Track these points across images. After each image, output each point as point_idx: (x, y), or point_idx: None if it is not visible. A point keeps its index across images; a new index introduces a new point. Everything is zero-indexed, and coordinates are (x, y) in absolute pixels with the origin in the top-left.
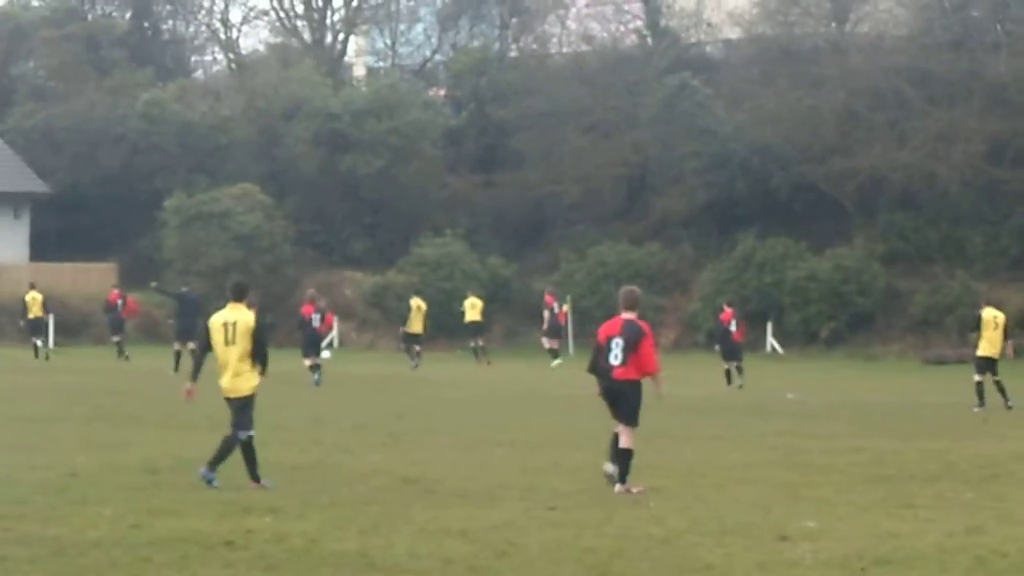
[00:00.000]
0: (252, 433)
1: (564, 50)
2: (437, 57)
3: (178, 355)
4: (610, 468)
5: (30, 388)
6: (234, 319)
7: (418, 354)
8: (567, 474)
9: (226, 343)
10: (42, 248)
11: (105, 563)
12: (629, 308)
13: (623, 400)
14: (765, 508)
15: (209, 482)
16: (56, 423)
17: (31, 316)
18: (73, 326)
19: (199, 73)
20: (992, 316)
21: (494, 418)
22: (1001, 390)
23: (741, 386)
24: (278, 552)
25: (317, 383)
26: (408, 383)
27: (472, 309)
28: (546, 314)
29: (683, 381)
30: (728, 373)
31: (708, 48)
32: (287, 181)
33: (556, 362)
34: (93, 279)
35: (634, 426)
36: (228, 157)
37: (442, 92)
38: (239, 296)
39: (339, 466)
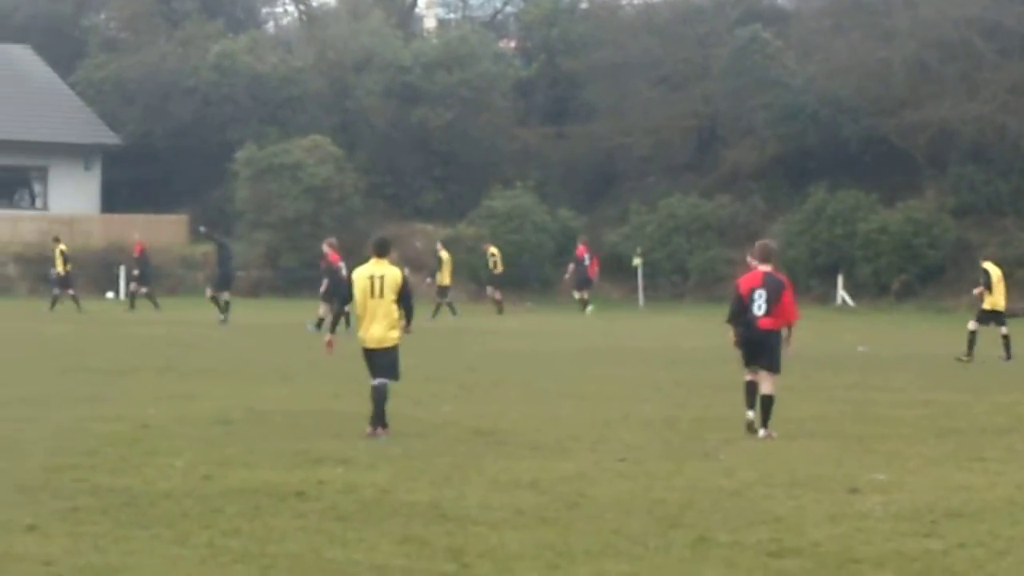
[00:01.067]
0: (389, 382)
1: (635, 1)
2: (507, 8)
3: (215, 301)
4: (751, 415)
5: (101, 339)
6: (381, 273)
7: (450, 305)
8: (637, 426)
9: (372, 296)
10: (113, 200)
11: (176, 514)
12: (764, 261)
13: (767, 349)
14: (836, 460)
15: (378, 438)
16: (127, 375)
17: (58, 270)
18: (144, 278)
19: (270, 25)
20: (996, 271)
21: (564, 370)
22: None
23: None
24: (349, 503)
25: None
26: (481, 335)
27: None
28: (571, 266)
29: None
30: (584, 303)
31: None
32: (358, 133)
33: (589, 308)
34: (164, 231)
35: (777, 373)
36: (299, 109)
37: (512, 44)
38: (383, 252)
39: (411, 418)
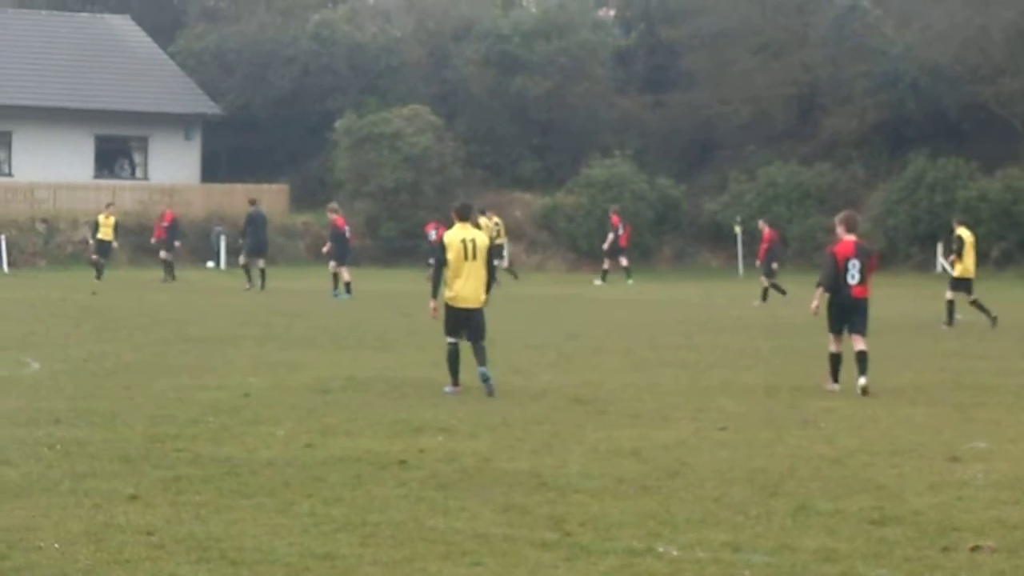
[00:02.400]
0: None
1: None
2: None
3: (247, 270)
4: (837, 387)
5: (201, 309)
6: (472, 236)
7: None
8: (737, 394)
9: (467, 259)
10: (213, 169)
11: (278, 482)
12: (852, 230)
13: (860, 313)
14: (936, 429)
15: (486, 380)
16: (228, 344)
17: (100, 237)
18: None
19: None
20: (969, 236)
21: (663, 339)
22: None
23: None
24: (450, 471)
25: (340, 296)
26: (580, 303)
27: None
28: (611, 235)
29: None
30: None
31: None
32: (457, 102)
33: (629, 281)
34: (264, 200)
35: (866, 335)
36: (398, 78)
37: (611, 12)
38: (467, 216)
39: (511, 386)
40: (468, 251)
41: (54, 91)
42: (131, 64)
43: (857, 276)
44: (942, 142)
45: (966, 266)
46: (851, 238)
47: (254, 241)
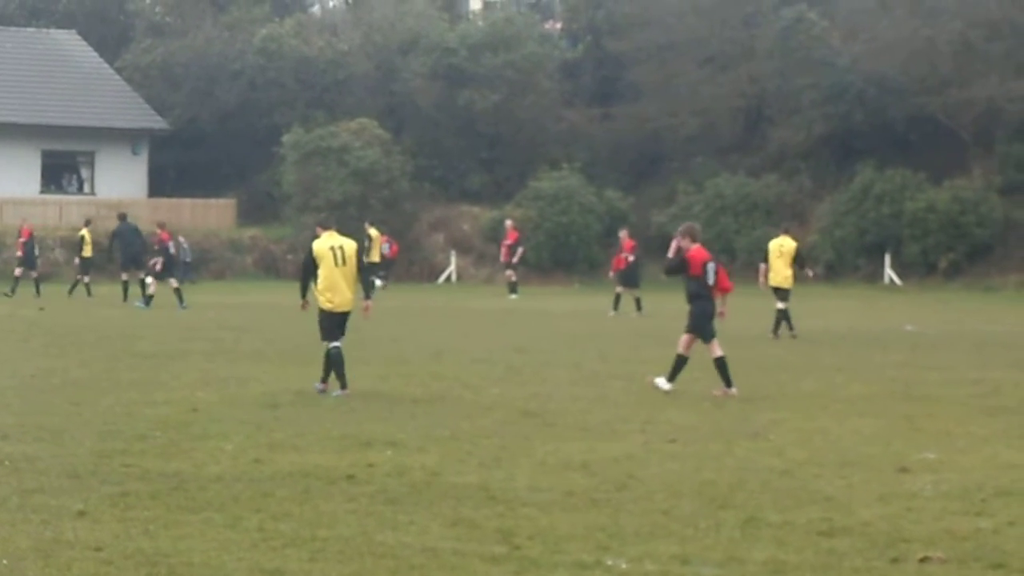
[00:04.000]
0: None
1: None
2: None
3: (126, 285)
4: (670, 387)
5: (149, 324)
6: (340, 243)
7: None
8: (686, 407)
9: (337, 264)
10: (161, 184)
11: (227, 497)
12: (696, 240)
13: (713, 317)
14: (885, 440)
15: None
16: (176, 359)
17: (85, 255)
18: (192, 262)
19: (315, 8)
20: (778, 245)
21: (612, 351)
22: (787, 319)
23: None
24: (399, 485)
25: (147, 304)
26: (528, 316)
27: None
28: (520, 249)
29: (803, 313)
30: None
31: None
32: (404, 115)
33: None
34: (212, 215)
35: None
36: (346, 92)
37: (558, 25)
38: (331, 225)
39: (459, 399)
40: (337, 257)
41: (0, 106)
42: (77, 79)
43: (714, 280)
44: (889, 153)
45: (773, 275)
46: (700, 247)
47: (125, 255)
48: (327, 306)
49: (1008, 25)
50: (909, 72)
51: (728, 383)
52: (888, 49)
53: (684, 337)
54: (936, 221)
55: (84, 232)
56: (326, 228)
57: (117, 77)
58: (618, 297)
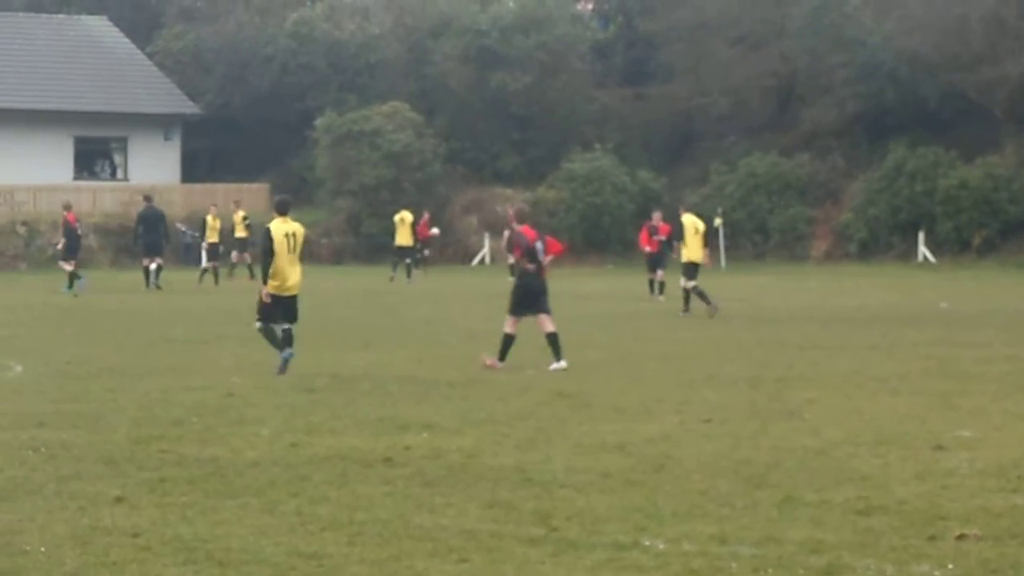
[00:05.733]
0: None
1: None
2: None
3: (146, 271)
4: (501, 364)
5: (183, 310)
6: (293, 230)
7: (409, 265)
8: (721, 387)
9: (289, 251)
10: (193, 170)
11: (264, 482)
12: (523, 221)
13: (545, 293)
14: (920, 418)
15: (286, 360)
16: (211, 344)
17: (211, 240)
18: (226, 247)
19: None
20: (692, 222)
21: (647, 332)
22: (687, 298)
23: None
24: (436, 468)
25: (72, 290)
26: (562, 297)
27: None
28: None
29: (837, 292)
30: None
31: None
32: (436, 98)
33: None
34: (245, 199)
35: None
36: (377, 75)
37: (590, 6)
38: (286, 210)
39: (494, 381)
40: (290, 244)
41: (32, 93)
42: (109, 65)
43: (542, 255)
44: (922, 131)
45: (692, 252)
46: (528, 226)
47: (147, 240)
48: (274, 288)
49: None
50: (941, 49)
51: (557, 356)
52: (920, 26)
53: (509, 318)
54: (969, 198)
55: (209, 217)
56: (282, 213)
57: (149, 63)
58: (651, 282)
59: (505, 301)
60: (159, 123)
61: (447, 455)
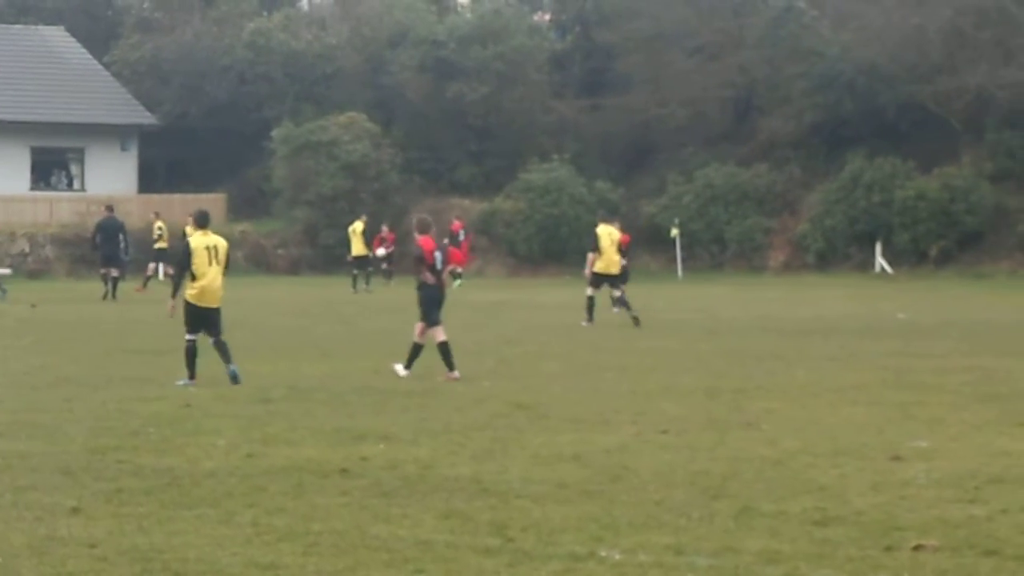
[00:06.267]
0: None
1: None
2: None
3: (104, 279)
4: (407, 373)
5: (140, 320)
6: (214, 243)
7: (370, 273)
8: (678, 397)
9: (210, 263)
10: (151, 180)
11: (221, 493)
12: (425, 232)
13: (440, 303)
14: (878, 428)
15: (235, 377)
16: (168, 354)
17: (158, 247)
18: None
19: (304, 2)
20: (608, 233)
21: (603, 343)
22: (625, 304)
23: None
24: (392, 479)
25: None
26: (519, 308)
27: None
28: (445, 240)
29: (795, 302)
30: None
31: None
32: (394, 109)
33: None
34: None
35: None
36: (335, 86)
37: (547, 16)
38: (206, 224)
39: (451, 392)
40: (211, 255)
41: None
42: (66, 75)
43: (441, 265)
44: (879, 142)
45: (605, 262)
46: (427, 236)
47: (105, 251)
48: (193, 300)
49: (997, 12)
50: (899, 60)
51: (451, 367)
52: (878, 37)
53: (419, 325)
54: (926, 209)
55: (159, 223)
56: (201, 227)
57: (106, 73)
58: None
59: (460, 311)
60: (116, 133)
61: (404, 466)
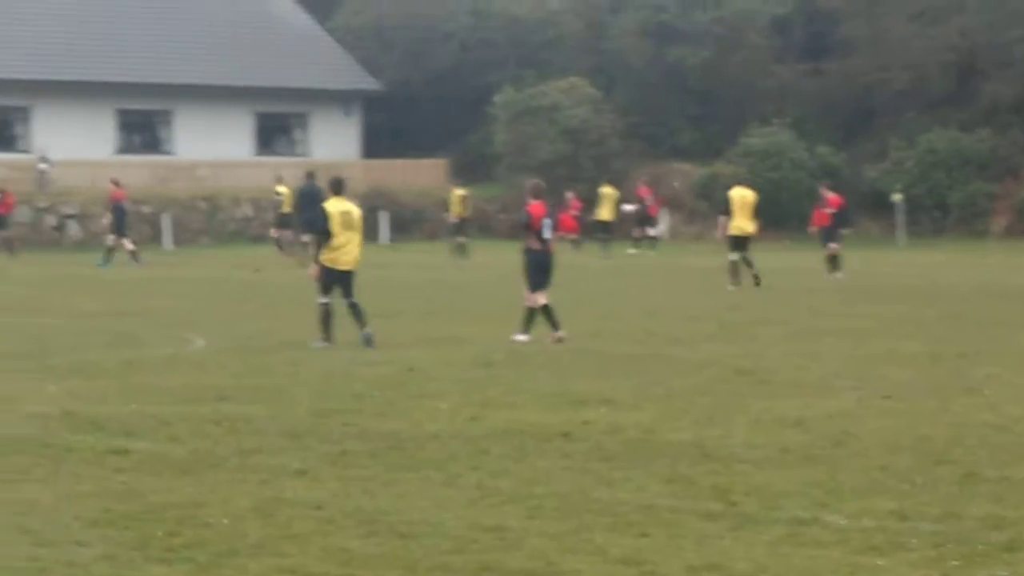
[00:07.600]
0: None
1: None
2: None
3: (304, 248)
4: (561, 333)
5: (364, 284)
6: (348, 209)
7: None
8: (900, 363)
9: (347, 228)
10: (373, 145)
11: (444, 455)
12: (538, 197)
13: (552, 269)
14: None
15: (367, 340)
16: (392, 318)
17: (284, 211)
18: (404, 222)
19: None
20: (740, 196)
21: (824, 308)
22: (749, 264)
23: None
24: (614, 443)
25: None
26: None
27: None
28: (632, 207)
29: (1016, 268)
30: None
31: None
32: (614, 74)
33: (632, 251)
34: (423, 175)
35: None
36: (556, 51)
37: None
38: (341, 190)
39: (672, 357)
40: (346, 221)
41: (213, 69)
42: (289, 41)
43: (550, 232)
44: None
45: (739, 224)
46: (539, 202)
47: (306, 216)
48: (328, 263)
49: None
50: None
51: (555, 326)
52: None
53: (526, 293)
54: None
55: (281, 187)
56: (337, 194)
57: (329, 38)
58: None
59: (679, 275)
60: (338, 99)
61: (625, 430)
